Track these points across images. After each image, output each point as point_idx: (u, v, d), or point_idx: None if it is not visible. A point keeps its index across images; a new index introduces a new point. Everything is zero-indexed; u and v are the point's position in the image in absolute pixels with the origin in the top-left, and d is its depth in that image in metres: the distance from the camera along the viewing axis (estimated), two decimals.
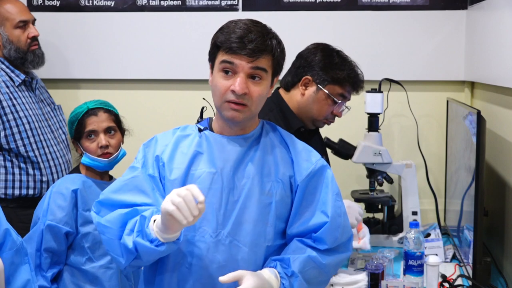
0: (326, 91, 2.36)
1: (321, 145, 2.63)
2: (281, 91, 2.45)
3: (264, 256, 1.80)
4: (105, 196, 1.81)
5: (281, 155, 1.84)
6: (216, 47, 1.76)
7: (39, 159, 2.84)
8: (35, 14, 3.00)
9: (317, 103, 2.39)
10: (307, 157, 1.84)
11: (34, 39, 2.93)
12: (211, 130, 1.85)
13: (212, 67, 1.81)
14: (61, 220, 2.31)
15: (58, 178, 2.82)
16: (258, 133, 1.85)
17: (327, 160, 2.65)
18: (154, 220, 1.67)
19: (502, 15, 2.40)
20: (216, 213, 1.77)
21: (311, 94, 2.38)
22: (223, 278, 1.68)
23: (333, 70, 2.37)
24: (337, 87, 2.38)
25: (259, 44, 1.72)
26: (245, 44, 1.71)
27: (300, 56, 2.45)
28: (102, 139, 2.40)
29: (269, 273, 1.74)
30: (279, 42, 1.79)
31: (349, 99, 2.46)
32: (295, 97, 2.41)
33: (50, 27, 3.30)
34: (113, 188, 1.82)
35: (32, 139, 2.83)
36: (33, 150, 2.82)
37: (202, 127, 1.85)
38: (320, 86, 2.36)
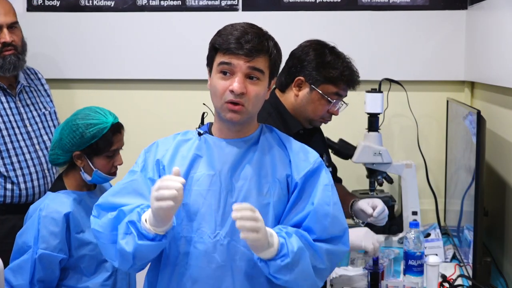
0: (320, 91, 2.31)
1: (322, 142, 2.60)
2: (277, 92, 2.40)
3: None
4: (104, 199, 1.85)
5: (279, 155, 1.85)
6: (214, 50, 1.79)
7: (9, 168, 2.71)
8: (35, 14, 2.98)
9: (312, 103, 2.33)
10: (304, 157, 1.85)
11: (6, 44, 2.74)
12: (211, 134, 1.87)
13: (210, 70, 1.82)
14: (56, 248, 2.19)
15: (32, 187, 2.73)
16: (257, 136, 1.87)
17: (329, 158, 2.64)
18: (146, 219, 1.69)
19: (502, 15, 2.40)
20: (214, 214, 1.78)
21: (305, 95, 2.32)
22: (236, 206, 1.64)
23: (325, 69, 2.30)
24: (331, 86, 2.31)
25: (256, 44, 1.74)
26: (242, 44, 1.73)
27: (292, 55, 2.38)
28: (121, 158, 2.28)
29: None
30: (276, 44, 1.82)
31: (345, 96, 2.38)
32: (290, 99, 2.35)
33: (50, 27, 3.30)
34: (112, 191, 1.86)
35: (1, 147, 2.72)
36: (2, 159, 2.71)
37: (202, 131, 1.87)
38: (314, 87, 2.30)
